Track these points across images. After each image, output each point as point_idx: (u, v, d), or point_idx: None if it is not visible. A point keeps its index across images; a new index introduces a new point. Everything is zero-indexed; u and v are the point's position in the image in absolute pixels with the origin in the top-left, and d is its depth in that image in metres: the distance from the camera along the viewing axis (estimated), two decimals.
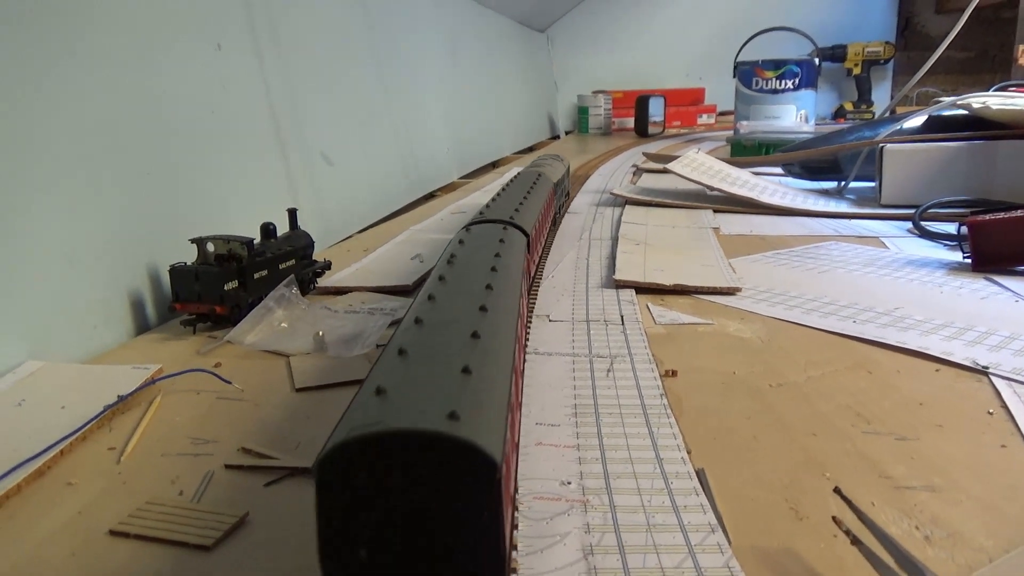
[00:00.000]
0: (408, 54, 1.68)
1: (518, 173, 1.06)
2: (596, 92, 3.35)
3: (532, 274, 0.75)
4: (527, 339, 0.66)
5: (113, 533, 0.39)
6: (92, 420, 0.49)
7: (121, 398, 0.51)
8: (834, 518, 0.35)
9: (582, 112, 3.35)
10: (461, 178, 1.93)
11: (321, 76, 1.23)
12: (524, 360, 0.60)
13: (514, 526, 0.36)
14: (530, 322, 0.70)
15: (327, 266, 0.84)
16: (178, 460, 0.47)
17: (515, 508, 0.38)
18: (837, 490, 0.36)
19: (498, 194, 0.85)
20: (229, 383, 0.57)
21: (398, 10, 1.65)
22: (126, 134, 0.74)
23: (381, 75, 1.50)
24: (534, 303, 0.76)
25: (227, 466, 0.45)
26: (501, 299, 0.42)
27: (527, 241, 0.65)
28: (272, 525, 0.39)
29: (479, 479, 0.25)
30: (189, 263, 0.69)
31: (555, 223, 1.12)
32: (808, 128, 2.25)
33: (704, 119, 3.31)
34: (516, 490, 0.40)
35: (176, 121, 0.82)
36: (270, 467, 0.45)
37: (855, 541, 0.33)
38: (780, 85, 2.37)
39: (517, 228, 0.65)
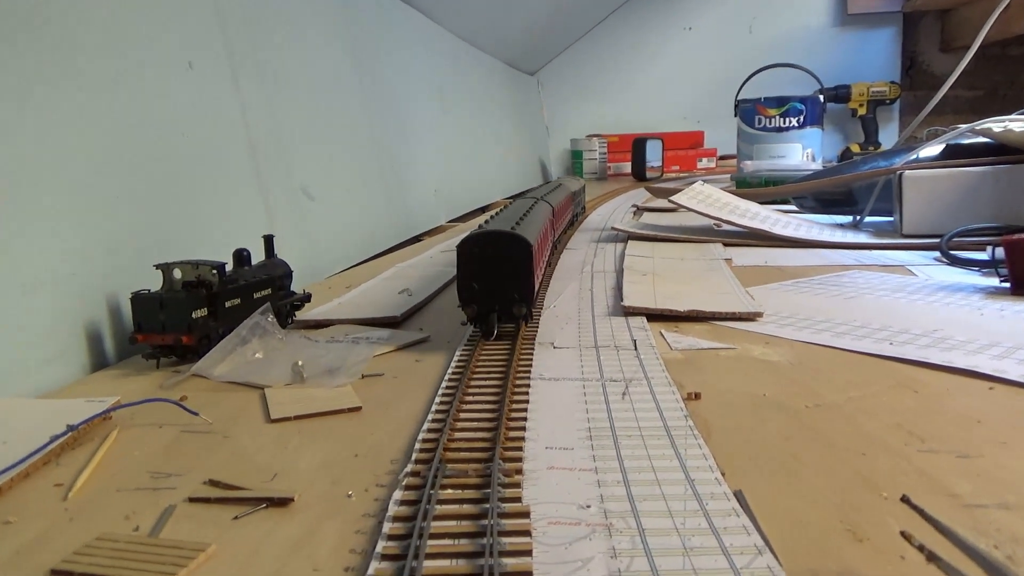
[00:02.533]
0: (395, 92, 1.69)
1: (543, 183, 1.54)
2: (591, 136, 3.38)
3: (554, 238, 1.06)
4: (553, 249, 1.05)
5: (55, 573, 0.35)
6: (36, 453, 0.45)
7: (71, 427, 0.47)
8: (903, 533, 0.31)
9: (576, 156, 3.37)
10: (449, 222, 1.92)
11: (304, 111, 1.22)
12: (550, 243, 0.98)
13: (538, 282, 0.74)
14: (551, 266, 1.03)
15: (307, 298, 0.81)
16: (135, 495, 0.43)
17: (543, 281, 0.86)
18: (905, 499, 0.32)
19: (529, 189, 1.18)
20: (196, 414, 0.53)
21: (385, 48, 1.66)
22: (85, 155, 0.71)
23: (367, 111, 1.50)
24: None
25: (191, 499, 0.41)
26: (536, 215, 0.85)
27: (552, 211, 0.99)
28: (241, 562, 0.35)
29: (523, 251, 0.65)
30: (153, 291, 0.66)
31: (571, 224, 1.50)
32: (816, 167, 2.25)
33: (704, 163, 3.34)
34: (545, 273, 0.92)
35: (142, 142, 0.80)
36: (241, 499, 0.41)
37: (931, 557, 0.29)
38: (784, 123, 2.38)
39: (546, 203, 1.00)
